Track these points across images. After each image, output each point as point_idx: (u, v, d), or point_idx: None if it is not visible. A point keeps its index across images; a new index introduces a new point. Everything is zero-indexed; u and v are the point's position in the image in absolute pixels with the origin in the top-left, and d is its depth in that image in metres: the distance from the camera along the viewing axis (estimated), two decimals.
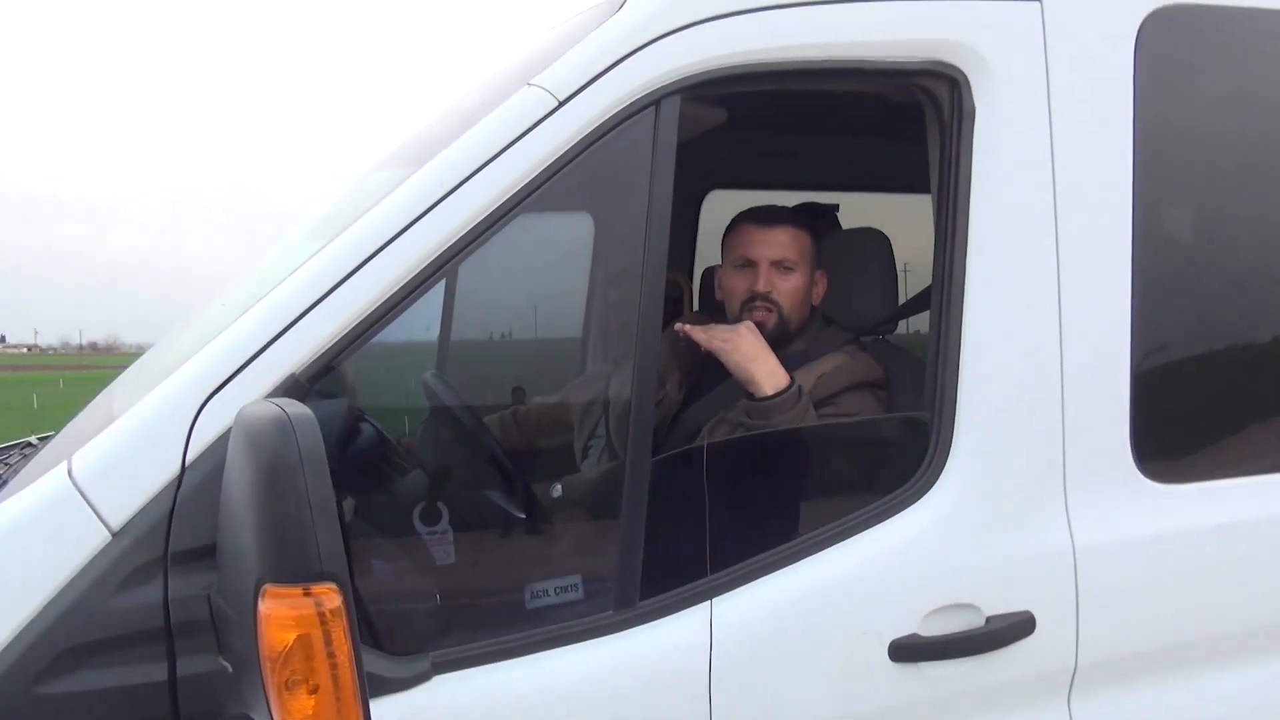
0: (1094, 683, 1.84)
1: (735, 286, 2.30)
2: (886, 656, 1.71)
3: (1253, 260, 2.02)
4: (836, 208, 2.77)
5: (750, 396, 2.06)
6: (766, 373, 2.05)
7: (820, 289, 2.34)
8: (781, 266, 2.27)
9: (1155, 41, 1.85)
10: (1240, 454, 2.02)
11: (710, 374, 2.36)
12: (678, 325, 2.14)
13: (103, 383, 2.33)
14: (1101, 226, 1.82)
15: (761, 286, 2.25)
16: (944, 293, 1.81)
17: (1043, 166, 1.79)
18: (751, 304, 2.26)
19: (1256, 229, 2.03)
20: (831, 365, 2.18)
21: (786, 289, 2.27)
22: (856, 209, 2.81)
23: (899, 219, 2.63)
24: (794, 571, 1.70)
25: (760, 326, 2.19)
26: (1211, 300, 1.99)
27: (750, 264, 2.28)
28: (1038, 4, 1.80)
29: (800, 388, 2.05)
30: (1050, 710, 1.83)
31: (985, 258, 1.78)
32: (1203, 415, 2.03)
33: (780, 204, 2.44)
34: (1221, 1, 1.94)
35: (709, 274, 3.08)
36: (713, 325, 2.17)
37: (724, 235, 2.41)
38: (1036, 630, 1.77)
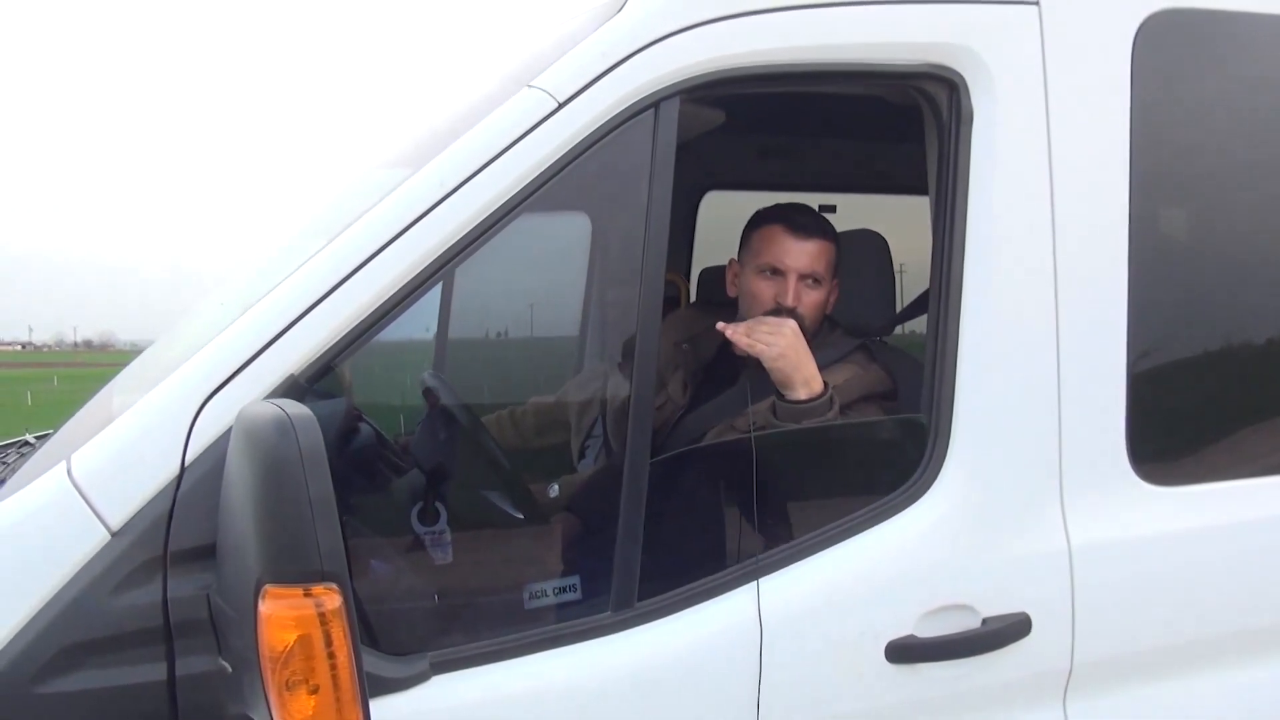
0: (1089, 684, 1.85)
1: (761, 293, 2.25)
2: (883, 657, 1.72)
3: (1248, 264, 2.03)
4: (834, 209, 2.77)
5: (780, 396, 2.04)
6: (805, 378, 2.02)
7: (834, 297, 2.32)
8: (810, 280, 2.24)
9: (1152, 45, 1.86)
10: (1235, 456, 2.03)
11: (716, 375, 2.36)
12: (720, 326, 2.09)
13: (97, 381, 2.33)
14: (1098, 229, 1.83)
15: (790, 301, 2.21)
16: (941, 295, 1.82)
17: (1040, 169, 1.79)
18: (777, 315, 2.19)
19: (1252, 232, 2.04)
20: (844, 377, 2.15)
21: (810, 302, 2.24)
22: (851, 210, 2.82)
23: (895, 220, 2.63)
24: (791, 573, 1.71)
25: None
26: (1207, 303, 2.00)
27: (779, 273, 2.24)
28: (1035, 8, 1.81)
29: (834, 395, 2.03)
30: (1046, 711, 1.84)
31: (983, 260, 1.79)
32: (1198, 418, 2.04)
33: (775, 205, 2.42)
34: (1217, 6, 1.95)
35: (707, 274, 3.08)
36: (753, 326, 2.09)
37: (748, 230, 2.35)
38: (1032, 632, 1.78)
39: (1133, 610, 1.87)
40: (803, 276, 2.23)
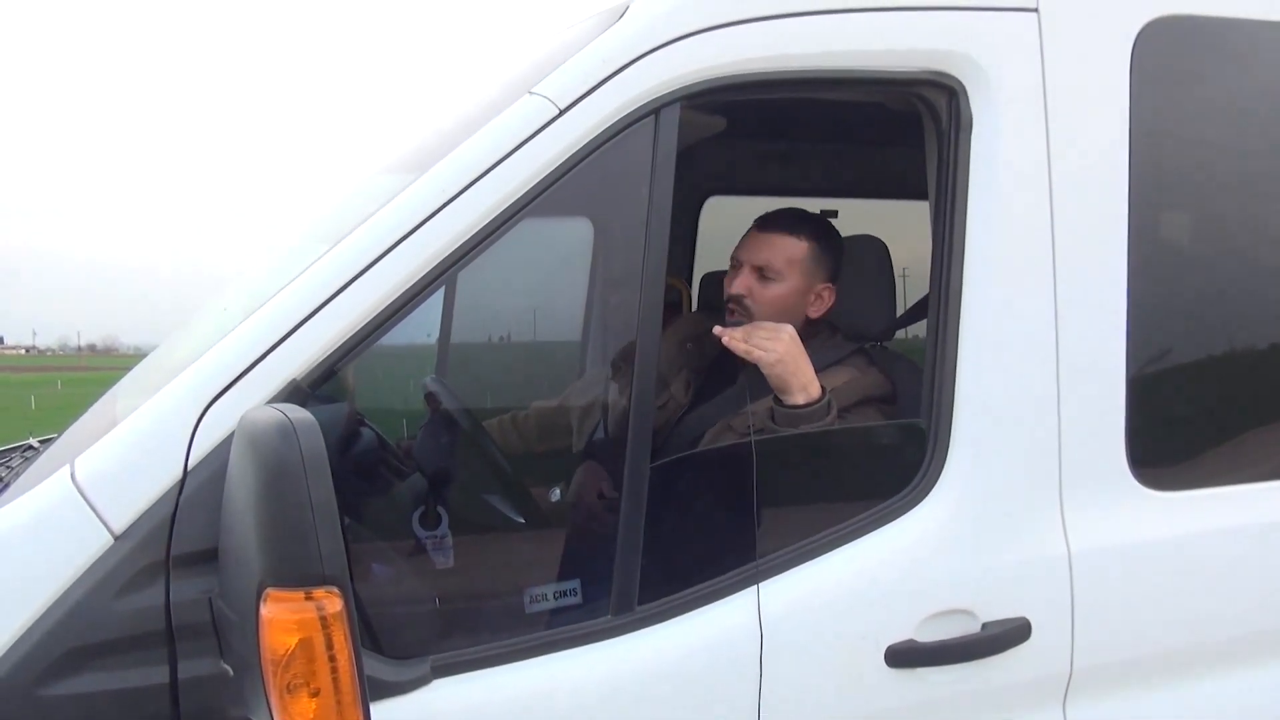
0: (1089, 688, 1.85)
1: (725, 286, 2.30)
2: (883, 662, 1.72)
3: (1247, 270, 2.03)
4: (835, 214, 2.78)
5: (778, 401, 2.03)
6: (802, 383, 2.01)
7: (824, 303, 2.29)
8: (763, 273, 2.23)
9: (1151, 52, 1.87)
10: (1235, 461, 2.04)
11: (718, 375, 2.37)
12: (716, 330, 2.09)
13: (101, 384, 2.34)
14: (1097, 235, 1.84)
15: (735, 289, 2.23)
16: (941, 300, 1.82)
17: (1039, 176, 1.80)
18: (728, 304, 2.25)
19: (1251, 238, 2.05)
20: (842, 380, 2.15)
21: (766, 297, 2.22)
22: (855, 216, 2.82)
23: (899, 225, 2.64)
24: (791, 578, 1.71)
25: None
26: (1206, 309, 2.00)
27: (738, 265, 2.27)
28: (1035, 15, 1.82)
29: (831, 400, 2.02)
30: (1046, 715, 1.84)
31: (982, 266, 1.79)
32: (1197, 422, 2.04)
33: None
34: (1217, 13, 1.95)
35: (709, 278, 3.09)
36: (750, 331, 2.09)
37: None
38: (1032, 636, 1.78)
39: (1132, 615, 1.88)
40: (755, 268, 2.24)
